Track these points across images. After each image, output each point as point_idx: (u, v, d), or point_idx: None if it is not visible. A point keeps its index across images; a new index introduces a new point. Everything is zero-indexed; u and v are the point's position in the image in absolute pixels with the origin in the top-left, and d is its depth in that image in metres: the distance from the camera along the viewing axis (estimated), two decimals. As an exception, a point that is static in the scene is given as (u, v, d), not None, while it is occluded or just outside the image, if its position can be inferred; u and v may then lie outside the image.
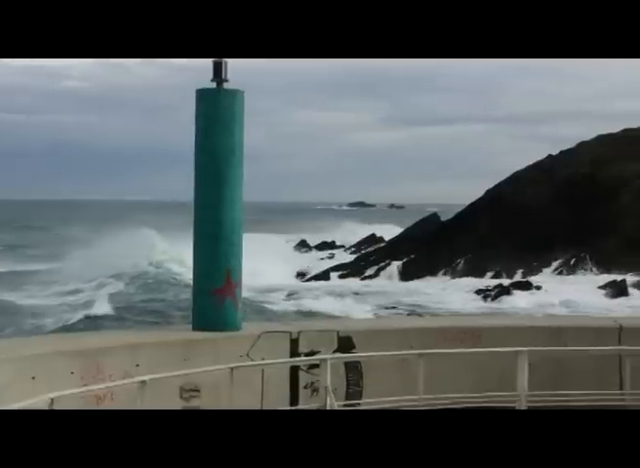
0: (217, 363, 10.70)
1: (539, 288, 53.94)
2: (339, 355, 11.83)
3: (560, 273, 60.15)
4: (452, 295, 54.62)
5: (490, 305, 50.70)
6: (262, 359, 11.41)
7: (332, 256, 76.50)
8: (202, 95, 12.14)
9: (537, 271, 59.86)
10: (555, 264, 61.24)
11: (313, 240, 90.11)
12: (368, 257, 70.44)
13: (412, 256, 65.72)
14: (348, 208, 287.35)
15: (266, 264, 59.14)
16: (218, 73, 12.03)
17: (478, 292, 54.38)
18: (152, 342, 11.26)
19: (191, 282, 12.48)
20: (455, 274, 61.50)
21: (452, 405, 11.34)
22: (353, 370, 12.14)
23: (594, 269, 59.59)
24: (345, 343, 12.11)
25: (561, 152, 74.06)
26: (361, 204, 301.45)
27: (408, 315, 45.14)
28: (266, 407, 11.24)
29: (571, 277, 58.88)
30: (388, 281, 61.85)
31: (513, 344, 11.54)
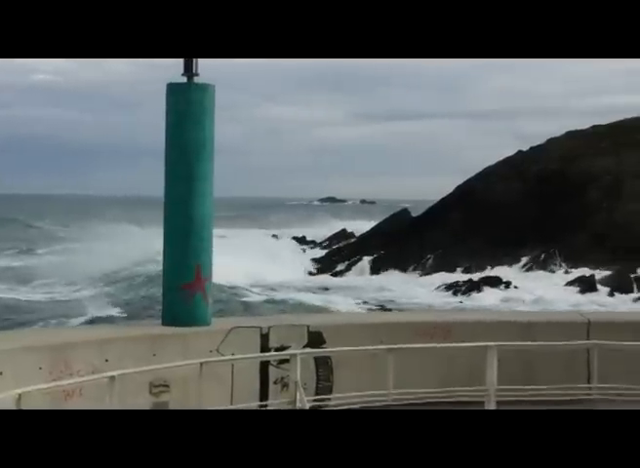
0: (186, 358, 10.69)
1: (508, 283, 54.15)
2: (309, 350, 11.82)
3: (530, 269, 60.41)
4: (422, 291, 54.79)
5: (460, 300, 50.85)
6: (232, 354, 11.39)
7: (303, 252, 76.49)
8: (172, 89, 12.08)
9: (506, 267, 60.07)
10: (525, 260, 61.50)
11: (284, 234, 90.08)
12: (339, 253, 70.53)
13: (382, 252, 65.83)
14: (319, 203, 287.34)
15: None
16: (188, 68, 11.99)
17: (448, 287, 54.55)
18: (121, 337, 11.21)
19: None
20: (425, 269, 61.64)
21: (421, 400, 11.39)
22: (323, 366, 12.15)
23: (563, 265, 59.89)
24: (316, 338, 12.11)
25: (531, 148, 74.35)
26: (332, 199, 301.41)
27: (378, 310, 45.24)
28: (236, 402, 11.23)
29: (540, 272, 59.16)
30: (359, 276, 61.93)
31: (483, 339, 11.58)
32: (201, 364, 10.15)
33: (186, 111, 11.92)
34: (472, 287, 53.50)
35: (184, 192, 11.87)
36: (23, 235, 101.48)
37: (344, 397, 11.43)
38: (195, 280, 11.83)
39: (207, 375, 10.14)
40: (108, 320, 39.56)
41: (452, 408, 11.16)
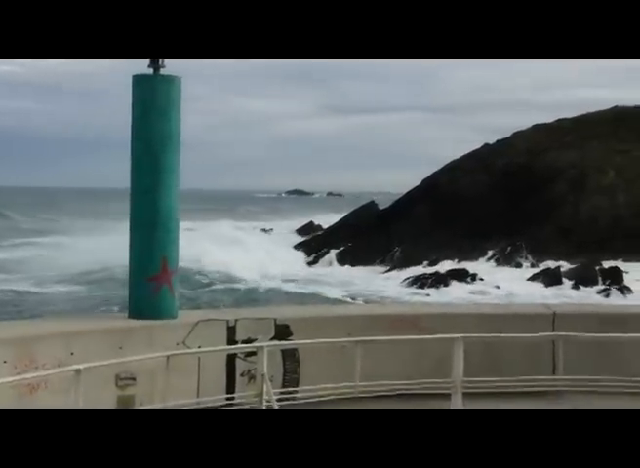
0: (153, 351, 10.64)
1: (475, 276, 54.34)
2: (275, 342, 11.81)
3: (496, 262, 60.70)
4: (389, 283, 54.90)
5: (426, 293, 50.99)
6: (199, 347, 11.36)
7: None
8: (138, 81, 12.01)
9: (473, 260, 60.32)
10: (491, 253, 61.80)
11: (251, 227, 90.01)
12: (306, 245, 70.52)
13: (349, 245, 65.91)
14: (287, 196, 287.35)
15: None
16: (154, 60, 11.92)
17: (415, 280, 54.66)
18: (87, 330, 11.14)
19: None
20: (392, 262, 61.76)
21: (388, 392, 11.42)
22: (290, 358, 12.14)
23: (529, 258, 60.23)
24: (283, 331, 12.10)
25: (497, 141, 74.73)
26: (299, 192, 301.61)
27: (346, 303, 45.28)
28: (203, 395, 11.20)
29: (506, 265, 59.47)
30: (326, 269, 61.96)
31: (449, 331, 11.63)
32: (168, 357, 10.12)
33: (152, 103, 11.86)
34: (439, 280, 53.64)
35: (150, 184, 11.81)
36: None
37: (312, 389, 11.43)
38: (161, 272, 11.78)
39: (173, 368, 10.11)
40: (75, 314, 39.30)
41: (419, 399, 11.25)
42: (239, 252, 63.83)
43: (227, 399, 11.35)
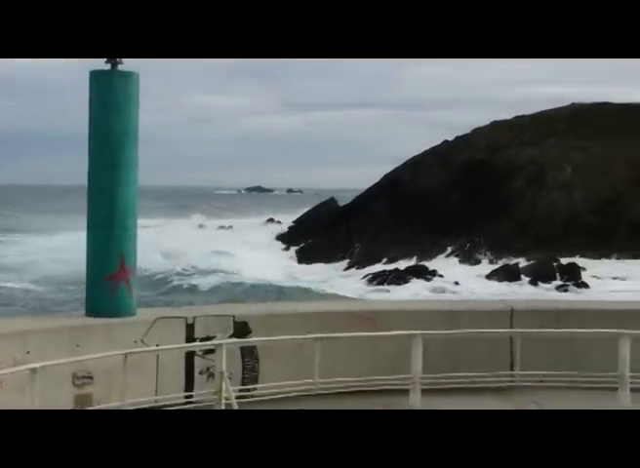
0: (110, 349, 10.57)
1: (434, 273, 54.57)
2: (234, 340, 11.78)
3: (455, 258, 60.97)
4: (348, 280, 55.00)
5: (386, 290, 51.12)
6: (157, 345, 11.31)
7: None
8: (96, 77, 11.92)
9: (432, 256, 60.57)
10: (450, 249, 62.07)
11: (211, 224, 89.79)
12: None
13: (309, 241, 65.97)
14: (246, 192, 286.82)
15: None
16: (112, 56, 11.84)
17: (375, 276, 54.79)
18: (43, 329, 11.04)
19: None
20: (352, 258, 61.89)
21: (347, 388, 11.44)
22: (249, 355, 12.12)
23: (488, 254, 60.55)
24: (242, 328, 12.07)
25: (457, 138, 75.04)
26: (259, 188, 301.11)
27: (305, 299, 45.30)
28: (161, 393, 11.15)
29: (466, 262, 59.75)
30: (286, 265, 61.94)
31: (408, 328, 11.66)
32: (125, 355, 10.06)
33: (110, 99, 11.77)
34: (399, 276, 53.82)
35: (108, 181, 11.72)
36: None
37: (270, 386, 11.43)
38: (119, 270, 11.71)
39: (131, 367, 10.06)
40: (33, 313, 38.96)
41: (378, 396, 11.28)
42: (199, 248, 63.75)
43: (186, 397, 11.31)
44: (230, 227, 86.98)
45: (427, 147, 75.04)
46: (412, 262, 58.37)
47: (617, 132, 68.81)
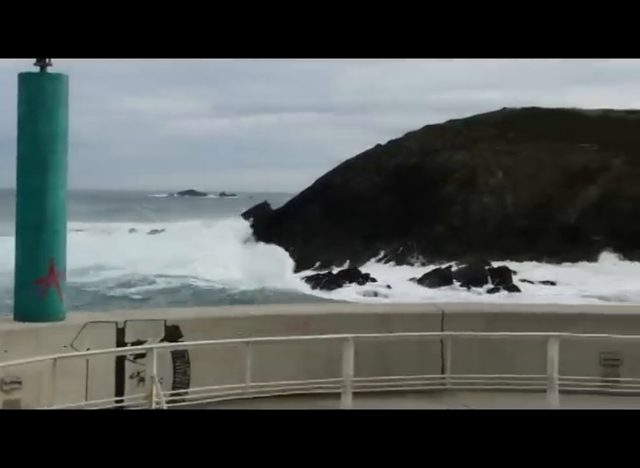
0: (40, 354, 10.45)
1: (367, 276, 54.73)
2: (165, 344, 11.72)
3: (388, 261, 61.24)
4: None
5: (318, 293, 51.16)
6: (88, 349, 11.20)
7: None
8: (24, 79, 11.78)
9: (365, 260, 60.77)
10: (383, 253, 62.32)
11: (143, 228, 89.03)
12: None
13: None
14: (179, 196, 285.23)
15: None
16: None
17: (307, 280, 54.81)
18: None
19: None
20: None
21: (279, 392, 11.43)
22: (180, 359, 12.06)
23: (420, 257, 60.91)
24: (173, 332, 12.01)
25: (390, 142, 75.31)
26: (192, 192, 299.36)
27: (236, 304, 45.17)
28: (91, 398, 11.04)
29: (398, 265, 60.03)
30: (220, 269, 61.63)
31: (340, 331, 11.69)
32: (55, 359, 9.96)
33: (39, 102, 11.64)
34: (331, 280, 53.91)
35: (37, 184, 11.59)
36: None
37: (202, 390, 11.38)
38: (49, 274, 11.58)
39: (61, 371, 9.96)
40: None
41: (310, 399, 11.29)
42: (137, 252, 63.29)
43: (116, 401, 11.22)
44: (163, 231, 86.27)
45: (360, 151, 75.30)
46: (345, 266, 58.49)
47: (546, 136, 69.67)
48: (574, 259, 59.98)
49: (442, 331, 12.82)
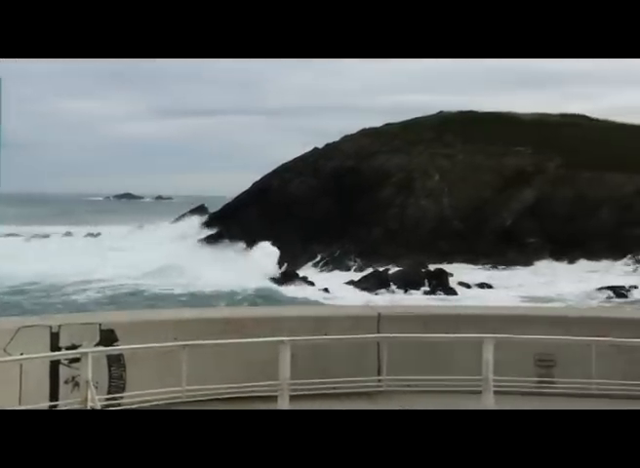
0: (-29, 359, 10.31)
1: (304, 280, 54.77)
2: (100, 348, 11.61)
3: (325, 264, 61.37)
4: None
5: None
6: (21, 354, 11.07)
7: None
8: (-45, 80, 11.62)
9: (303, 263, 60.84)
10: (320, 256, 62.44)
11: (79, 232, 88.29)
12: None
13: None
14: (115, 199, 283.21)
15: None
16: (-28, 58, 11.57)
17: (246, 283, 54.68)
18: None
19: None
20: (222, 266, 61.60)
21: (215, 396, 11.39)
22: (116, 364, 11.95)
23: (358, 260, 61.12)
24: (108, 336, 11.90)
25: (326, 145, 75.56)
26: (128, 195, 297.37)
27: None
28: (25, 403, 10.91)
29: (335, 268, 60.18)
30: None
31: (277, 334, 11.67)
32: (-14, 365, 9.83)
33: (-30, 103, 11.48)
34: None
35: (-31, 187, 11.46)
36: None
37: (137, 395, 11.30)
38: (-19, 278, 11.43)
39: (-7, 376, 9.83)
40: None
41: (246, 402, 11.26)
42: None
43: (51, 406, 11.10)
44: (99, 234, 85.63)
45: (298, 154, 75.39)
46: (282, 270, 58.48)
47: (482, 139, 70.35)
48: (509, 262, 60.66)
49: (378, 333, 12.86)
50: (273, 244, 60.88)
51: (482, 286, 54.37)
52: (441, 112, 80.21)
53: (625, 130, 74.85)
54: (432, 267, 56.27)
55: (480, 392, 11.71)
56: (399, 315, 13.74)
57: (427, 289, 53.13)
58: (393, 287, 53.42)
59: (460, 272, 56.87)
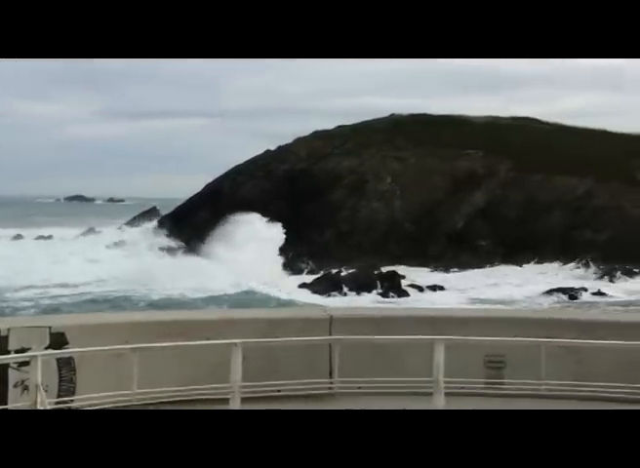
0: None
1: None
2: (50, 351, 11.52)
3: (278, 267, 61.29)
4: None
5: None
6: (-31, 357, 10.96)
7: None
8: None
9: (255, 266, 60.68)
10: (274, 259, 62.36)
11: (30, 234, 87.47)
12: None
13: (132, 251, 65.06)
14: (66, 202, 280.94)
15: None
16: None
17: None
18: None
19: None
20: (174, 268, 61.32)
21: (166, 399, 11.35)
22: (66, 367, 11.87)
23: (310, 263, 61.16)
24: (58, 339, 11.81)
25: (279, 147, 75.53)
26: (80, 197, 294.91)
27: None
28: (-27, 407, 10.81)
29: (288, 271, 60.16)
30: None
31: (228, 336, 11.65)
32: None
33: None
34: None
35: None
36: None
37: (88, 398, 11.23)
38: None
39: (-60, 381, 9.71)
40: None
41: (198, 405, 11.23)
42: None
43: (-1, 410, 11.00)
44: (50, 237, 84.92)
45: (250, 157, 75.28)
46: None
47: (433, 142, 70.73)
48: (461, 264, 61.02)
49: (330, 335, 12.88)
50: (224, 247, 60.77)
51: (434, 288, 54.62)
52: (393, 115, 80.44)
53: (576, 133, 75.59)
54: (385, 270, 56.46)
55: (431, 394, 11.78)
56: (351, 317, 13.77)
57: (380, 291, 53.27)
58: (346, 289, 53.48)
59: (412, 274, 57.11)
